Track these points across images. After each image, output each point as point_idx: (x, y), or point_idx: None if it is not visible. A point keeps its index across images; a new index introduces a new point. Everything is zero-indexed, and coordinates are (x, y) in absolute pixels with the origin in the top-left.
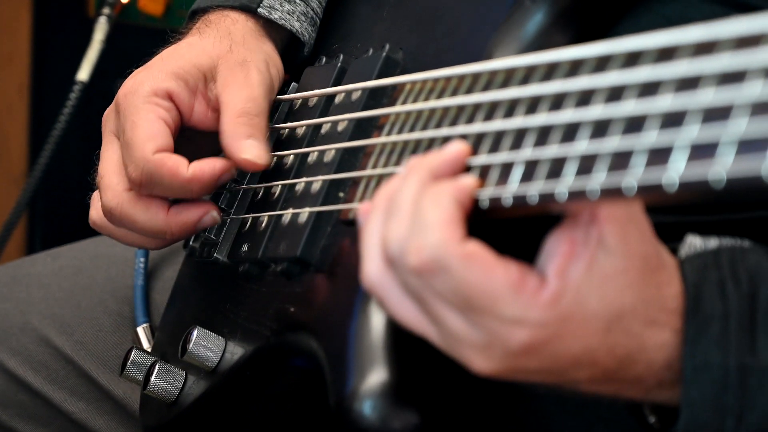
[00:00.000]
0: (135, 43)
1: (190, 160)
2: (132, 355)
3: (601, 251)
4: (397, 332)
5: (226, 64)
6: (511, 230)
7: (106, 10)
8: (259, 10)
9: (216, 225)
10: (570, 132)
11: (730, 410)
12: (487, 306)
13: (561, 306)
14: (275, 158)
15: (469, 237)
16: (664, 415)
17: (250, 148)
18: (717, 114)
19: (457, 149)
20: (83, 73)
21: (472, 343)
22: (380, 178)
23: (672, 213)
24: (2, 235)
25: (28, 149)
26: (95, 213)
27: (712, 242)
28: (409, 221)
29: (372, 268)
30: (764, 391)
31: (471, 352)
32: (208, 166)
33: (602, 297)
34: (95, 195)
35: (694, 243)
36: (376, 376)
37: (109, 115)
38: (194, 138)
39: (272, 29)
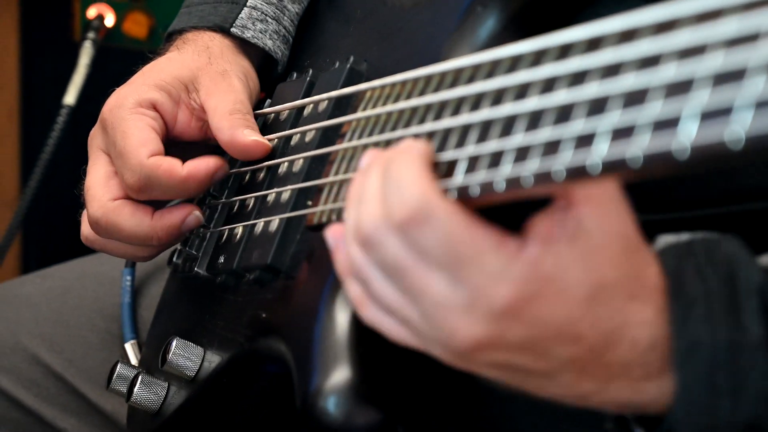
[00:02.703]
0: (120, 66)
1: None
2: (117, 369)
3: (581, 231)
4: (360, 331)
5: (208, 74)
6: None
7: (91, 34)
8: (232, 29)
9: (200, 224)
10: (534, 120)
11: (723, 391)
12: (472, 257)
13: (542, 267)
14: (249, 172)
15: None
16: (650, 427)
17: (252, 134)
18: (678, 89)
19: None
20: (70, 97)
21: (456, 305)
22: (341, 184)
23: (640, 212)
24: None
25: (20, 173)
26: (86, 228)
27: (685, 236)
28: (380, 194)
29: (352, 252)
30: (756, 369)
31: (455, 318)
32: (202, 164)
33: (584, 267)
34: (85, 212)
35: (666, 239)
36: (339, 374)
37: (95, 133)
38: (173, 153)
39: (247, 47)
